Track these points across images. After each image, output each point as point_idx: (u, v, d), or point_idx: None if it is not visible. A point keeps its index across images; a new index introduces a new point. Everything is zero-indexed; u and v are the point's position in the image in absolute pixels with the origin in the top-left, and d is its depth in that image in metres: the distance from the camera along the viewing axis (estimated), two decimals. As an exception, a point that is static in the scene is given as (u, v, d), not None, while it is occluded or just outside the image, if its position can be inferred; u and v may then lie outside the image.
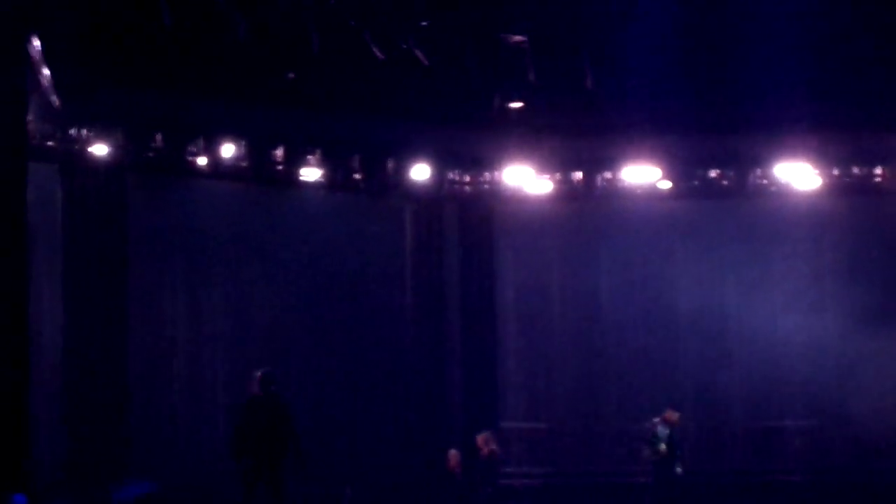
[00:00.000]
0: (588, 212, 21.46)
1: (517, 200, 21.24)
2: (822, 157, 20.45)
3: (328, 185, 20.02)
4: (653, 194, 21.00)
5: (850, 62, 19.09)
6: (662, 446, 18.64)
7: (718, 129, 20.43)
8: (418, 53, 18.71)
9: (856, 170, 20.67)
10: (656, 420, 18.93)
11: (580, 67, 19.55)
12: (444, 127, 20.32)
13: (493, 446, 18.73)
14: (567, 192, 21.16)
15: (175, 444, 18.99)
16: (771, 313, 20.92)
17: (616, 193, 21.06)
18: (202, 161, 18.87)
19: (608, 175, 21.02)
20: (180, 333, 19.47)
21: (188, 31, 17.25)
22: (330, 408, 19.98)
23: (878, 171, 20.65)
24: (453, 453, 18.82)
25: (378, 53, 18.49)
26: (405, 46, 18.63)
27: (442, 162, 20.68)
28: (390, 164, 20.41)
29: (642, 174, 20.78)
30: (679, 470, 18.81)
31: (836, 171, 20.62)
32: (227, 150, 18.92)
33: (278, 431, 14.97)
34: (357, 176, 20.27)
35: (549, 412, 21.51)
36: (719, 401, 21.23)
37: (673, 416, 18.88)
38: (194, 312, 19.64)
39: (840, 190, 20.76)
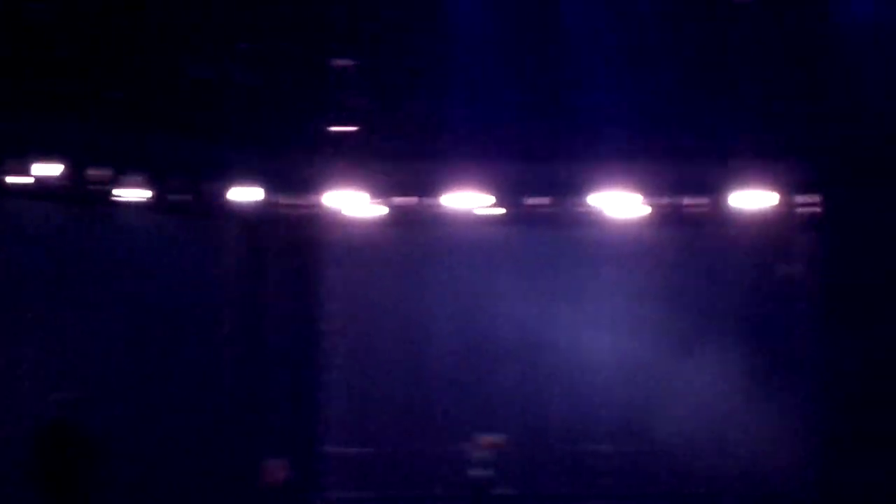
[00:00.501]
0: (415, 237, 21.52)
1: (344, 224, 21.19)
2: (642, 186, 20.79)
3: (152, 206, 19.69)
4: (479, 220, 21.15)
5: (670, 92, 19.51)
6: (486, 471, 18.87)
7: (543, 157, 20.65)
8: (244, 74, 18.63)
9: (673, 199, 21.09)
10: (476, 443, 19.14)
11: (409, 93, 19.72)
12: (271, 149, 20.15)
13: (283, 474, 18.53)
14: (395, 217, 21.18)
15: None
16: (590, 339, 21.19)
17: (442, 219, 21.14)
18: (18, 180, 18.41)
19: (435, 200, 21.08)
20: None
21: (4, 47, 16.92)
22: (148, 433, 19.59)
23: (696, 200, 21.08)
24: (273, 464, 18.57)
25: (205, 74, 18.39)
26: (230, 67, 18.54)
27: (269, 184, 20.50)
28: (215, 186, 20.18)
29: (469, 200, 20.90)
30: (498, 490, 19.05)
31: (655, 201, 21.00)
32: (47, 170, 18.49)
33: (74, 463, 14.40)
34: (182, 197, 19.98)
35: (372, 437, 21.44)
36: (538, 424, 21.44)
37: (490, 439, 19.11)
38: (11, 332, 19.07)
39: (658, 219, 21.13)
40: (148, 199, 19.57)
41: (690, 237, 21.44)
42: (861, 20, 19.03)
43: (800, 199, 20.98)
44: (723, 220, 21.02)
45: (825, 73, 19.22)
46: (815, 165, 20.58)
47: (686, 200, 21.13)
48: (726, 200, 20.81)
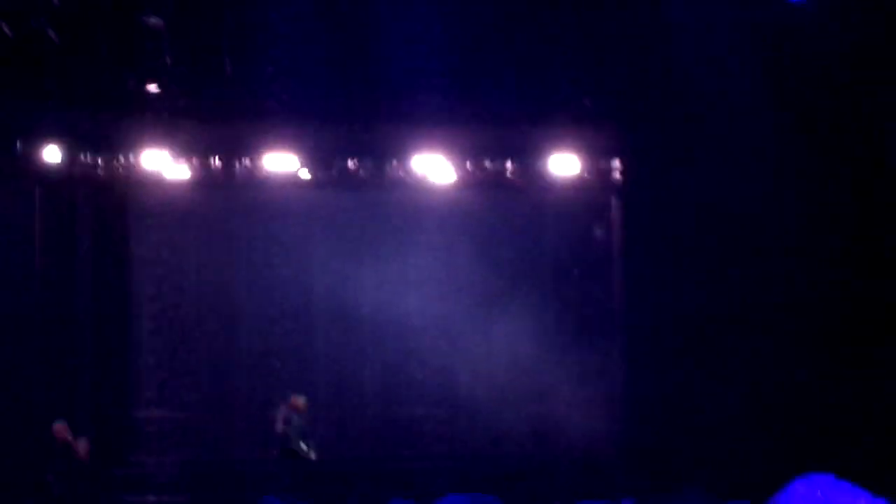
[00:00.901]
0: (227, 199, 21.26)
1: (154, 186, 20.81)
2: (457, 150, 20.90)
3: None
4: (291, 183, 20.99)
5: (484, 57, 19.64)
6: (304, 448, 18.84)
7: (358, 120, 20.58)
8: (50, 32, 18.17)
9: (488, 164, 21.24)
10: (283, 408, 19.08)
11: (218, 51, 19.44)
12: (76, 108, 19.68)
13: (67, 436, 18.18)
14: (205, 179, 20.87)
15: None
16: (406, 303, 21.25)
17: (254, 181, 20.93)
18: None
19: (247, 162, 20.85)
20: None
21: None
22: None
23: (509, 165, 21.27)
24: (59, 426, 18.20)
25: (7, 30, 17.88)
26: (36, 24, 18.07)
27: (74, 144, 20.04)
28: (19, 145, 19.65)
29: (281, 162, 20.73)
30: (313, 456, 19.01)
31: (469, 165, 21.13)
32: None
33: None
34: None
35: (183, 401, 21.19)
36: (354, 389, 21.46)
37: (298, 401, 19.06)
38: None
39: (474, 183, 21.27)
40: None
41: (503, 201, 21.61)
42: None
43: (606, 164, 21.34)
44: (534, 184, 21.27)
45: (633, 42, 19.58)
46: (620, 132, 20.93)
47: (498, 165, 21.30)
48: (538, 165, 21.08)
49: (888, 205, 19.85)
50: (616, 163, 21.34)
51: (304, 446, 19.02)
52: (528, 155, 21.19)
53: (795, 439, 19.42)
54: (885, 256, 20.03)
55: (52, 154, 19.77)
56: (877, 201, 19.96)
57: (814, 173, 19.87)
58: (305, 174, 20.91)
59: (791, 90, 19.41)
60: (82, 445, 18.22)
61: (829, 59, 19.05)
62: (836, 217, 20.02)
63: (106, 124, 20.21)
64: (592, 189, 21.43)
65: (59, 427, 18.18)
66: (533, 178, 21.27)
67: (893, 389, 19.44)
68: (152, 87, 19.52)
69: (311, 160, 20.84)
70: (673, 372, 20.22)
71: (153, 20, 18.67)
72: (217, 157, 20.74)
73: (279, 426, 19.09)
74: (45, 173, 20.03)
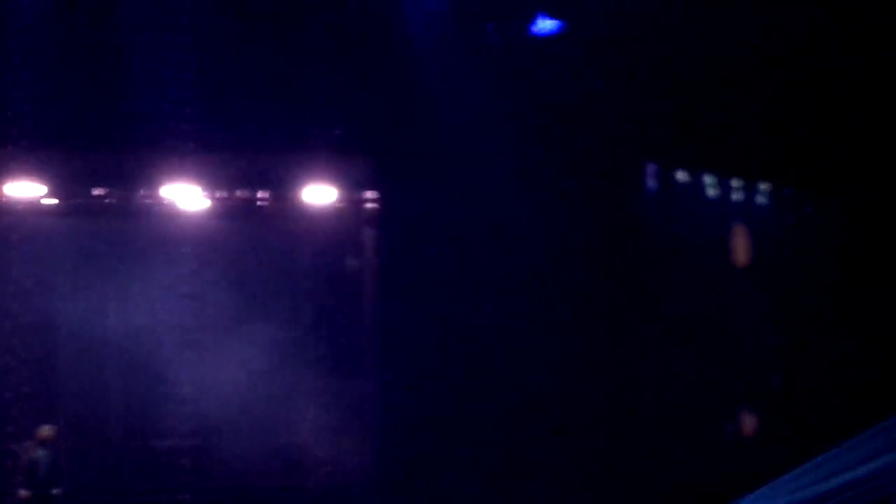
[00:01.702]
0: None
1: None
2: (208, 178, 20.63)
3: None
4: (38, 210, 20.39)
5: (238, 82, 19.51)
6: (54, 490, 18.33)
7: (106, 146, 20.12)
8: None
9: (239, 192, 21.02)
10: (30, 443, 18.50)
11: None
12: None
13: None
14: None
15: None
16: (153, 332, 20.85)
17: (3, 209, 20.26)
18: None
19: (-8, 189, 20.17)
20: None
21: None
22: None
23: (262, 193, 21.09)
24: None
25: None
26: None
27: None
28: None
29: (26, 189, 20.11)
30: (57, 491, 18.46)
31: (220, 193, 20.88)
32: None
33: None
34: None
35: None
36: (99, 419, 20.92)
37: (46, 432, 18.53)
38: None
39: (225, 211, 21.03)
40: None
41: (256, 230, 21.42)
42: (426, 22, 19.69)
43: (360, 195, 21.37)
44: (288, 213, 21.15)
45: (385, 73, 19.75)
46: (374, 163, 21.00)
47: (251, 193, 21.11)
48: (292, 194, 20.97)
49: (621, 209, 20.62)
50: (370, 193, 21.38)
51: (50, 481, 18.46)
52: (282, 184, 21.06)
53: (554, 465, 19.85)
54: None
55: None
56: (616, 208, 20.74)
57: (560, 190, 20.40)
58: (50, 201, 20.32)
59: (532, 114, 19.94)
60: None
61: (569, 86, 19.66)
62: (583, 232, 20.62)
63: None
64: (347, 219, 21.42)
65: None
66: (287, 208, 21.15)
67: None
68: None
69: (56, 188, 20.27)
70: (429, 401, 20.34)
71: None
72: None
73: (24, 459, 18.51)
74: None
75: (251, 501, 20.59)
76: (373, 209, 21.45)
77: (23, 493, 18.37)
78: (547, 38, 19.94)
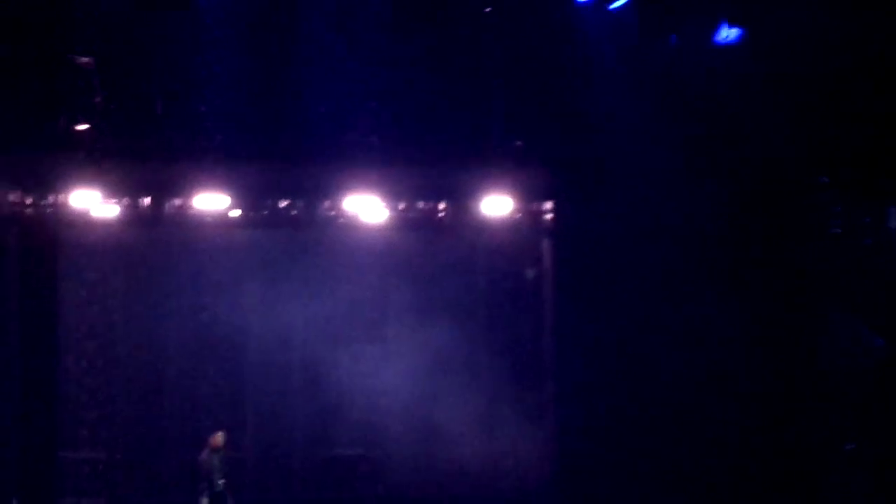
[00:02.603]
0: (157, 239, 21.14)
1: (83, 225, 20.67)
2: (390, 191, 20.92)
3: None
4: (223, 222, 20.92)
5: (417, 97, 19.75)
6: (220, 481, 18.77)
7: (289, 159, 20.55)
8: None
9: (421, 204, 21.29)
10: (206, 451, 19.02)
11: (149, 91, 19.42)
12: (4, 146, 19.52)
13: None
14: (135, 218, 20.74)
15: None
16: (337, 343, 21.22)
17: (185, 221, 20.84)
18: None
19: (178, 202, 20.76)
20: None
21: None
22: None
23: (442, 205, 21.33)
24: None
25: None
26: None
27: (2, 183, 19.86)
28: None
29: (212, 201, 20.66)
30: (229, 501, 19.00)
31: (402, 205, 21.17)
32: None
33: None
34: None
35: (109, 442, 21.01)
36: (282, 430, 21.36)
37: (218, 439, 18.99)
38: None
39: (406, 223, 21.29)
40: None
41: (435, 242, 21.65)
42: (601, 36, 19.71)
43: (537, 206, 21.46)
44: (467, 224, 21.34)
45: (563, 84, 19.81)
46: (551, 173, 21.06)
47: (431, 205, 21.35)
48: (471, 205, 21.16)
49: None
50: (548, 204, 21.46)
51: (218, 483, 18.96)
52: (460, 196, 21.24)
53: (725, 480, 19.65)
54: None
55: (-20, 193, 19.61)
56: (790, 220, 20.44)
57: (734, 202, 20.21)
58: (236, 213, 20.86)
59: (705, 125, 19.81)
60: None
61: (739, 95, 19.48)
62: (760, 240, 20.37)
63: (36, 164, 20.05)
64: (524, 230, 21.53)
65: None
66: (465, 219, 21.33)
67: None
68: (82, 127, 19.44)
69: (242, 200, 20.79)
70: (605, 412, 20.32)
71: (83, 59, 18.62)
72: (147, 197, 20.64)
73: (203, 467, 19.05)
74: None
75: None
76: (549, 219, 21.56)
77: (203, 499, 18.95)
78: (723, 49, 19.79)
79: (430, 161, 20.69)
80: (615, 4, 19.58)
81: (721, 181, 20.32)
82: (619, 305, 20.53)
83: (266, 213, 21.03)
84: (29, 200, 20.41)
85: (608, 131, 19.81)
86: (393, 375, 21.20)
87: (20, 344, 20.54)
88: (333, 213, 21.09)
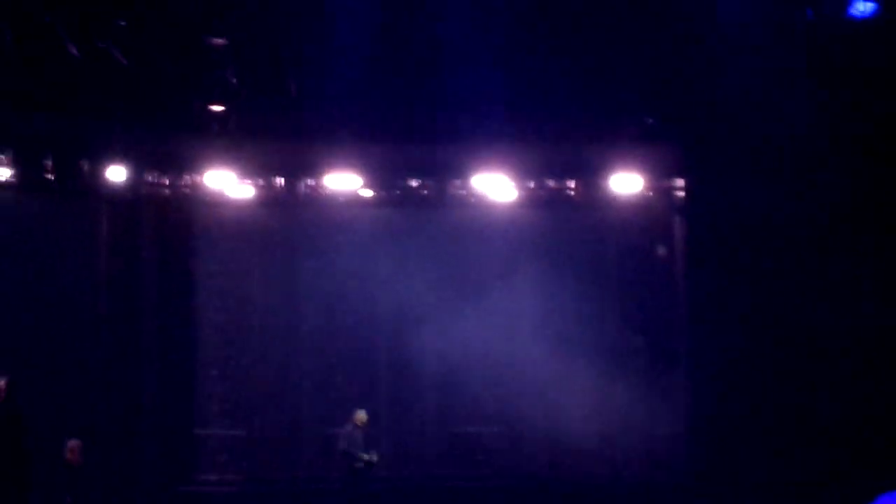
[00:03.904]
0: (290, 218, 21.40)
1: (218, 205, 20.99)
2: (519, 169, 20.91)
3: (19, 185, 19.29)
4: (355, 202, 21.10)
5: (544, 75, 19.66)
6: (366, 455, 18.92)
7: (419, 139, 20.68)
8: (116, 52, 18.35)
9: (550, 182, 21.24)
10: (348, 427, 19.17)
11: (282, 71, 19.59)
12: (142, 128, 19.87)
13: (76, 455, 17.70)
14: (269, 198, 21.02)
15: None
16: (467, 321, 21.25)
17: (318, 200, 21.05)
18: None
19: (310, 181, 20.97)
20: None
21: None
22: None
23: (571, 183, 21.25)
24: (73, 444, 17.28)
25: (74, 51, 18.07)
26: (103, 45, 18.25)
27: (139, 163, 20.22)
28: (85, 165, 19.84)
29: (344, 181, 20.85)
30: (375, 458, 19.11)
31: (531, 183, 21.14)
32: None
33: (16, 445, 15.21)
34: (50, 176, 19.59)
35: (246, 419, 21.32)
36: (414, 406, 21.50)
37: (359, 416, 19.14)
38: None
39: (535, 201, 21.27)
40: (17, 178, 19.19)
41: (564, 219, 21.59)
42: (732, 11, 19.43)
43: (668, 182, 21.27)
44: (596, 202, 21.24)
45: (694, 60, 19.56)
46: (682, 151, 20.86)
47: (560, 183, 21.29)
48: (600, 183, 21.06)
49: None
50: (679, 181, 21.27)
51: (366, 457, 19.08)
52: (589, 173, 21.17)
53: (868, 462, 19.29)
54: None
55: (117, 173, 19.95)
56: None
57: (879, 186, 19.85)
58: (368, 193, 21.01)
59: (849, 102, 19.38)
60: (74, 448, 17.65)
61: (885, 71, 19.04)
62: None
63: (171, 144, 20.40)
64: (655, 207, 21.38)
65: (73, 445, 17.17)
66: (595, 197, 21.25)
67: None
68: (217, 108, 19.69)
69: (373, 179, 20.94)
70: (739, 393, 20.09)
71: (218, 41, 18.83)
72: (280, 177, 20.87)
73: (341, 444, 19.20)
74: (111, 192, 20.20)
75: (560, 490, 20.76)
76: (680, 197, 21.36)
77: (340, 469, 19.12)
78: (859, 23, 19.38)
79: (560, 138, 20.63)
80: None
81: (860, 159, 19.92)
82: (752, 281, 20.27)
83: (396, 192, 21.14)
84: (165, 181, 20.77)
85: (741, 107, 19.53)
86: (523, 354, 21.19)
87: (157, 323, 20.92)
88: (463, 192, 21.15)
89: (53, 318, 19.79)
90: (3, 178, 19.10)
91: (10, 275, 19.46)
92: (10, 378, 15.61)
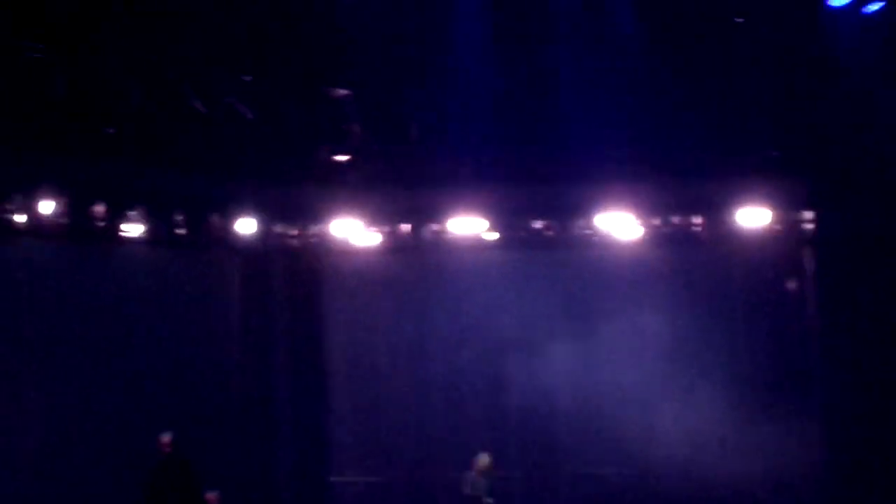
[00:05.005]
0: (416, 263, 21.50)
1: (345, 253, 21.21)
2: (643, 206, 20.81)
3: (151, 240, 19.69)
4: (479, 245, 21.16)
5: (668, 110, 19.58)
6: (480, 495, 18.88)
7: (542, 179, 20.64)
8: (241, 107, 18.72)
9: (675, 219, 21.09)
10: (472, 473, 19.13)
11: (405, 118, 19.81)
12: (269, 180, 20.19)
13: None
14: (395, 244, 21.18)
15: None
16: (595, 361, 21.17)
17: (443, 244, 21.16)
18: (20, 219, 18.43)
19: (435, 226, 21.09)
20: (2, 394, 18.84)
21: (2, 85, 16.99)
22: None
23: (694, 219, 21.08)
24: (212, 496, 17.63)
25: (200, 107, 18.47)
26: (228, 100, 18.63)
27: (268, 215, 20.54)
28: (215, 219, 20.18)
29: (468, 225, 20.95)
30: None
31: (656, 221, 21.01)
32: (46, 207, 18.52)
33: (187, 496, 16.22)
34: (181, 231, 19.96)
35: (380, 465, 21.42)
36: (545, 449, 21.40)
37: (483, 461, 19.06)
38: (14, 374, 19.01)
39: (660, 239, 21.11)
40: (149, 234, 19.58)
41: (690, 256, 21.40)
42: (858, 39, 19.20)
43: (797, 215, 20.99)
44: (722, 237, 21.04)
45: (820, 90, 19.35)
46: (810, 182, 20.59)
47: (684, 219, 21.12)
48: (726, 218, 20.87)
49: None
50: (808, 213, 20.98)
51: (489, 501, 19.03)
52: (715, 208, 20.94)
53: None
54: None
55: (246, 225, 20.26)
56: None
57: None
58: (492, 236, 21.06)
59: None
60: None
61: None
62: None
63: (298, 194, 20.69)
64: (783, 241, 21.09)
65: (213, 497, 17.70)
66: (721, 232, 21.02)
67: None
68: (342, 157, 19.95)
69: (497, 221, 20.99)
70: (875, 424, 19.74)
71: (340, 91, 19.11)
72: (405, 223, 21.03)
73: (465, 489, 19.18)
74: (241, 244, 20.52)
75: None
76: (810, 229, 21.07)
77: None
78: None
79: (684, 174, 20.46)
80: (870, 8, 19.06)
81: None
82: (885, 312, 19.93)
83: (521, 233, 21.16)
84: (293, 231, 21.05)
85: (870, 136, 19.26)
86: (655, 392, 21.03)
87: (289, 370, 21.18)
88: (587, 230, 21.09)
89: (187, 370, 20.15)
90: (135, 234, 19.49)
91: (145, 328, 19.86)
92: (174, 433, 16.58)
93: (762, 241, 21.03)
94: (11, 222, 18.38)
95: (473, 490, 19.07)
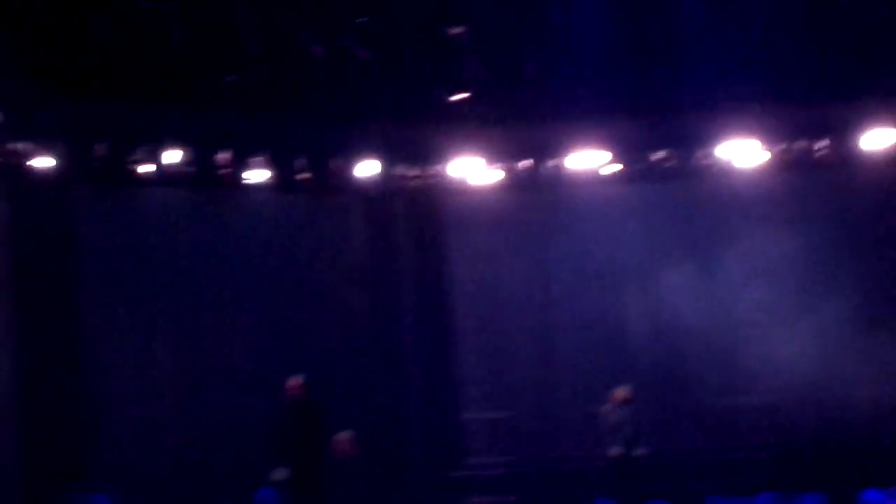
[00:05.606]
0: (537, 200, 21.45)
1: (466, 192, 21.22)
2: (766, 132, 20.49)
3: (275, 186, 19.86)
4: (599, 179, 21.03)
5: (789, 34, 19.28)
6: (621, 428, 18.84)
7: (663, 110, 20.44)
8: (357, 50, 18.77)
9: (798, 144, 20.75)
10: (608, 406, 19.08)
11: (520, 55, 19.71)
12: (388, 122, 20.23)
13: (349, 447, 17.78)
14: (515, 182, 21.12)
15: (135, 453, 18.77)
16: (723, 292, 21.02)
17: (563, 180, 21.06)
18: (147, 169, 18.71)
19: (555, 162, 21.00)
20: (135, 341, 19.24)
21: (124, 38, 17.22)
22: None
23: (824, 143, 20.70)
24: (346, 435, 17.33)
25: (317, 51, 18.56)
26: (344, 44, 18.69)
27: (388, 157, 20.58)
28: (336, 163, 20.30)
29: (588, 159, 20.81)
30: (641, 451, 18.96)
31: (780, 146, 20.66)
32: (171, 157, 18.78)
33: (317, 439, 16.26)
34: (304, 176, 20.10)
35: (508, 402, 21.50)
36: (675, 382, 21.28)
37: (621, 393, 19.02)
38: (146, 321, 19.40)
39: (785, 165, 20.79)
40: (272, 180, 19.76)
41: (815, 181, 21.09)
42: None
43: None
44: (846, 162, 20.67)
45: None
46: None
47: (808, 144, 20.76)
48: (851, 142, 20.49)
49: None
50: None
51: (631, 440, 18.95)
52: (838, 133, 20.57)
53: None
54: None
55: (368, 168, 20.35)
56: None
57: None
58: (612, 169, 20.90)
59: None
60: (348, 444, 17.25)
61: None
62: None
63: (417, 136, 20.70)
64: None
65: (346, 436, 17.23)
66: (845, 156, 20.65)
67: None
68: (459, 96, 19.92)
69: (617, 155, 20.83)
70: None
71: (456, 30, 19.07)
72: (526, 159, 20.96)
73: (609, 418, 19.12)
74: (363, 188, 20.62)
75: (825, 460, 20.25)
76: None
77: (613, 451, 19.02)
78: None
79: (808, 98, 20.10)
80: None
81: None
82: None
83: (641, 166, 20.97)
84: (414, 172, 21.10)
85: None
86: (783, 319, 20.83)
87: (416, 311, 21.33)
88: (708, 160, 20.84)
89: (315, 314, 20.38)
90: (259, 181, 19.68)
91: (272, 275, 20.11)
92: (304, 377, 16.68)
93: (888, 164, 20.65)
94: (138, 172, 18.64)
95: (615, 418, 19.02)
